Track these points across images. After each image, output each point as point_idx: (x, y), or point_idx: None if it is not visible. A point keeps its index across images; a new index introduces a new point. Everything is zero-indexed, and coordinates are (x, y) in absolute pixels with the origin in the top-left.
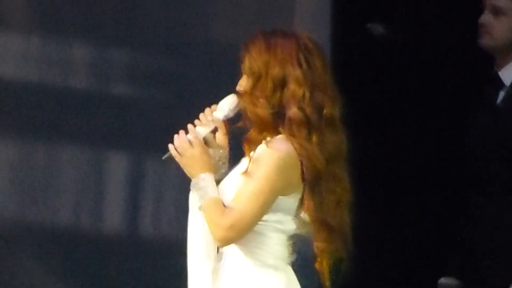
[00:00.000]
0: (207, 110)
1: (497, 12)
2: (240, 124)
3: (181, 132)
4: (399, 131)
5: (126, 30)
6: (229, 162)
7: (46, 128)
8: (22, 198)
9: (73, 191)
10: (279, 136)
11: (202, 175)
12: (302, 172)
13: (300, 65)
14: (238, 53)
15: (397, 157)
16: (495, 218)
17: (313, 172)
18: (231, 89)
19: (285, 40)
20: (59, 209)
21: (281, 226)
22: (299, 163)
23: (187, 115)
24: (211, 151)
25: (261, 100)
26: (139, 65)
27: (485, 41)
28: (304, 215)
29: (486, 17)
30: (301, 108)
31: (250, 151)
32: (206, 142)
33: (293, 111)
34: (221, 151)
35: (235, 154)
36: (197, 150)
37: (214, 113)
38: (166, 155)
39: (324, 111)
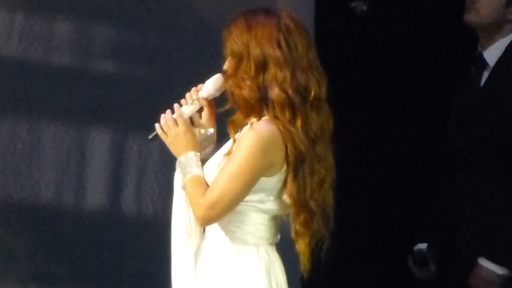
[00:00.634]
0: (193, 89)
1: None
2: (227, 107)
3: (168, 111)
4: (380, 108)
5: (110, 5)
6: (216, 141)
7: (28, 104)
8: (3, 174)
9: (55, 167)
10: (264, 118)
11: (186, 154)
12: (287, 154)
13: (280, 47)
14: (221, 31)
15: (379, 136)
16: (473, 193)
17: (296, 155)
18: (216, 66)
19: (266, 20)
20: (41, 186)
21: (263, 206)
22: (283, 145)
23: (170, 92)
24: (196, 130)
25: (247, 82)
26: (122, 41)
27: (471, 17)
28: (285, 197)
29: None
30: (283, 90)
31: (235, 134)
32: (192, 121)
33: (275, 93)
34: (207, 130)
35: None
36: (181, 129)
37: (200, 92)
38: (152, 134)
39: (309, 92)
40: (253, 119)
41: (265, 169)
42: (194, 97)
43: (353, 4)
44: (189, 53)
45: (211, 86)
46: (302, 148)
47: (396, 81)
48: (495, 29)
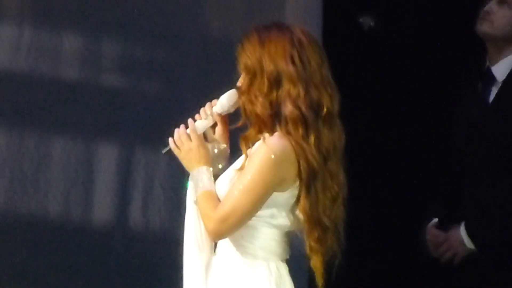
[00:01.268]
0: (207, 104)
1: (503, 2)
2: (240, 123)
3: (181, 126)
4: (389, 123)
5: (118, 20)
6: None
7: (37, 118)
8: (12, 188)
9: (63, 181)
10: (277, 133)
11: (199, 168)
12: (299, 170)
13: (293, 62)
14: (230, 46)
15: (389, 148)
16: (482, 205)
17: (309, 171)
18: (223, 82)
19: (279, 36)
20: (48, 199)
21: (275, 221)
22: (296, 160)
23: (178, 107)
24: (209, 145)
25: (260, 99)
26: (130, 56)
27: (485, 28)
28: (298, 213)
29: (491, 6)
30: (297, 107)
31: (248, 149)
32: (205, 136)
33: (289, 110)
34: (220, 145)
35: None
36: (195, 144)
37: (214, 108)
38: (165, 149)
39: (321, 108)
40: (266, 134)
41: (277, 184)
42: (208, 112)
43: (361, 20)
44: (197, 68)
45: (225, 101)
46: (315, 164)
47: (403, 95)
48: (506, 42)
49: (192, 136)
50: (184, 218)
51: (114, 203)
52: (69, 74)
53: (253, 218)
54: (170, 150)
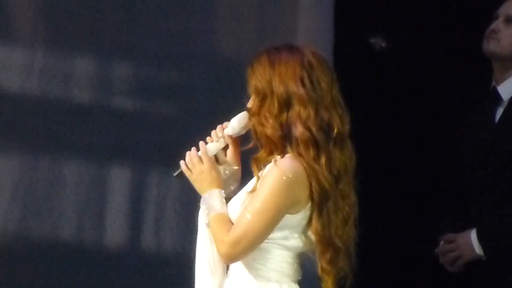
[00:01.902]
0: (218, 127)
1: (509, 21)
2: (251, 145)
3: (193, 148)
4: (400, 142)
5: (129, 43)
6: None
7: (49, 141)
8: (24, 211)
9: (76, 204)
10: (288, 154)
11: (211, 191)
12: (311, 191)
13: (303, 84)
14: (242, 68)
15: (401, 169)
16: (491, 223)
17: (321, 192)
18: (235, 105)
19: (289, 57)
20: (61, 222)
21: (287, 243)
22: (307, 182)
23: (189, 129)
24: (221, 168)
25: (270, 121)
26: (142, 78)
27: (491, 47)
28: (310, 234)
29: (498, 24)
30: (307, 128)
31: (259, 171)
32: (216, 159)
33: (299, 131)
34: (232, 167)
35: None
36: (206, 166)
37: (225, 130)
38: (177, 172)
39: (332, 129)
40: (277, 156)
41: (289, 206)
42: (220, 135)
43: (372, 40)
44: (209, 90)
45: (236, 124)
46: (327, 185)
47: (414, 114)
48: (510, 61)
49: (204, 159)
50: (196, 241)
51: (126, 225)
52: (81, 97)
53: (265, 240)
54: (181, 172)
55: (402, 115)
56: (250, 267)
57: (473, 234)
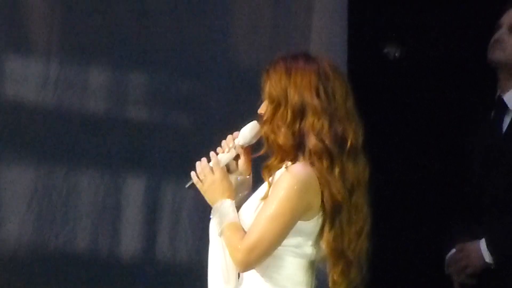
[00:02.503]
0: (229, 137)
1: None
2: (262, 152)
3: (203, 159)
4: (411, 151)
5: (144, 53)
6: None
7: (64, 151)
8: (40, 221)
9: (91, 214)
10: (300, 161)
11: (222, 201)
12: (323, 201)
13: (318, 95)
14: (257, 77)
15: (413, 178)
16: (501, 233)
17: (332, 204)
18: (250, 114)
19: (305, 67)
20: (76, 233)
21: (300, 250)
22: (320, 190)
23: (205, 139)
24: (233, 177)
25: (282, 129)
26: (157, 89)
27: (497, 56)
28: (322, 245)
29: (502, 34)
30: (320, 140)
31: (270, 178)
32: (228, 168)
33: (313, 143)
34: (244, 177)
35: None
36: (217, 176)
37: (236, 140)
38: (189, 183)
39: (346, 142)
40: (288, 163)
41: (302, 212)
42: (230, 145)
43: (386, 50)
44: (224, 100)
45: (247, 133)
46: (339, 197)
47: (425, 124)
48: None
49: (215, 169)
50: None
51: (141, 235)
52: (96, 108)
53: (279, 247)
54: (193, 184)
55: (413, 125)
56: (264, 275)
57: (482, 243)
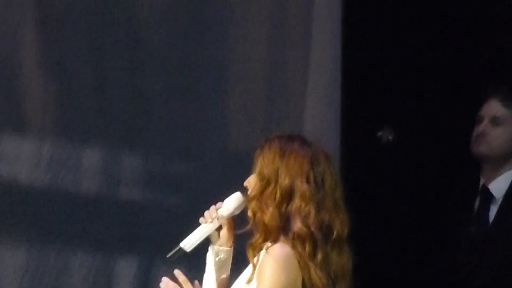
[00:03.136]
0: (212, 207)
1: (496, 122)
2: (247, 228)
3: (167, 280)
4: (403, 230)
5: (137, 134)
6: (233, 258)
7: (56, 232)
8: None
9: None
10: (279, 243)
11: None
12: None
13: (308, 181)
14: (250, 158)
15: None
16: None
17: None
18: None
19: (299, 151)
20: None
21: None
22: (300, 272)
23: (198, 220)
24: (215, 247)
25: (270, 208)
26: (150, 169)
27: (482, 150)
28: None
29: (484, 127)
30: (306, 225)
31: (254, 257)
32: (209, 239)
33: (298, 226)
34: (224, 248)
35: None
36: None
37: (220, 211)
38: (171, 252)
39: (331, 232)
40: (268, 244)
41: (293, 286)
42: (214, 215)
43: (379, 134)
44: (215, 181)
45: (231, 204)
46: (319, 284)
47: (419, 209)
48: (503, 160)
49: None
50: None
51: None
52: (88, 188)
53: None
54: (175, 254)
55: (406, 208)
56: None
57: None
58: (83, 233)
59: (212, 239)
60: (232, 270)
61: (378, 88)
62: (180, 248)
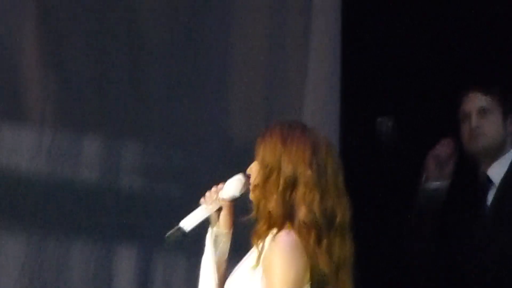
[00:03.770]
0: (213, 189)
1: (485, 113)
2: (251, 215)
3: None
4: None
5: (137, 124)
6: (231, 242)
7: (56, 222)
8: None
9: (82, 285)
10: (285, 229)
11: None
12: (310, 274)
13: (311, 168)
14: (250, 149)
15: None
16: None
17: (319, 277)
18: None
19: (301, 138)
20: None
21: None
22: (306, 258)
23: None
24: (214, 230)
25: (274, 196)
26: (150, 160)
27: (481, 143)
28: None
29: (474, 121)
30: (311, 211)
31: (258, 244)
32: (209, 221)
33: (303, 213)
34: (223, 230)
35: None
36: None
37: (220, 193)
38: (170, 232)
39: (335, 217)
40: (274, 231)
41: (303, 275)
42: (214, 197)
43: (379, 120)
44: (215, 172)
45: (232, 187)
46: (326, 270)
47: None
48: (499, 147)
49: None
50: None
51: None
52: (89, 178)
53: None
54: (173, 233)
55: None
56: None
57: None
58: (82, 224)
59: (212, 221)
60: (232, 256)
61: (378, 82)
62: (179, 228)
